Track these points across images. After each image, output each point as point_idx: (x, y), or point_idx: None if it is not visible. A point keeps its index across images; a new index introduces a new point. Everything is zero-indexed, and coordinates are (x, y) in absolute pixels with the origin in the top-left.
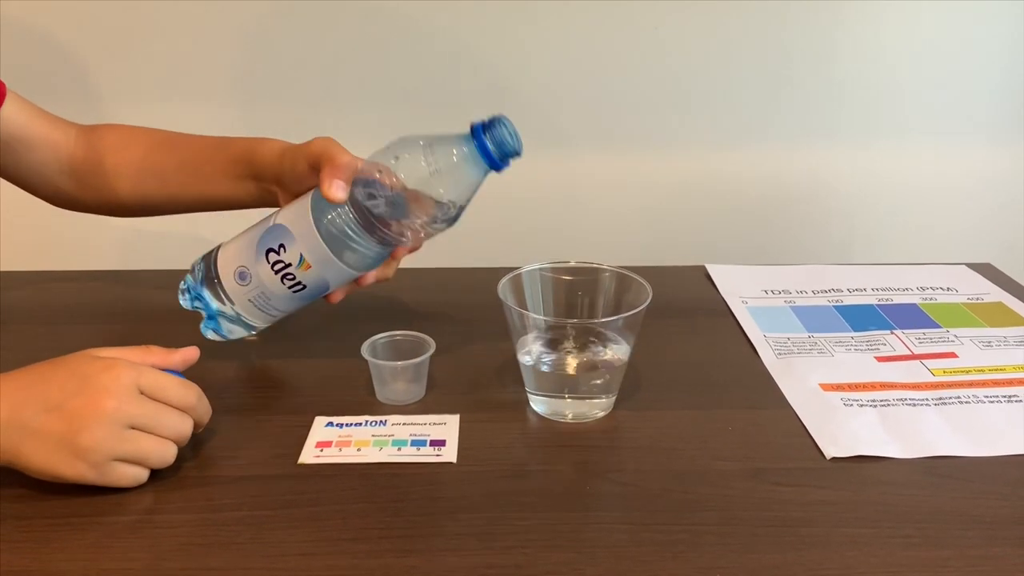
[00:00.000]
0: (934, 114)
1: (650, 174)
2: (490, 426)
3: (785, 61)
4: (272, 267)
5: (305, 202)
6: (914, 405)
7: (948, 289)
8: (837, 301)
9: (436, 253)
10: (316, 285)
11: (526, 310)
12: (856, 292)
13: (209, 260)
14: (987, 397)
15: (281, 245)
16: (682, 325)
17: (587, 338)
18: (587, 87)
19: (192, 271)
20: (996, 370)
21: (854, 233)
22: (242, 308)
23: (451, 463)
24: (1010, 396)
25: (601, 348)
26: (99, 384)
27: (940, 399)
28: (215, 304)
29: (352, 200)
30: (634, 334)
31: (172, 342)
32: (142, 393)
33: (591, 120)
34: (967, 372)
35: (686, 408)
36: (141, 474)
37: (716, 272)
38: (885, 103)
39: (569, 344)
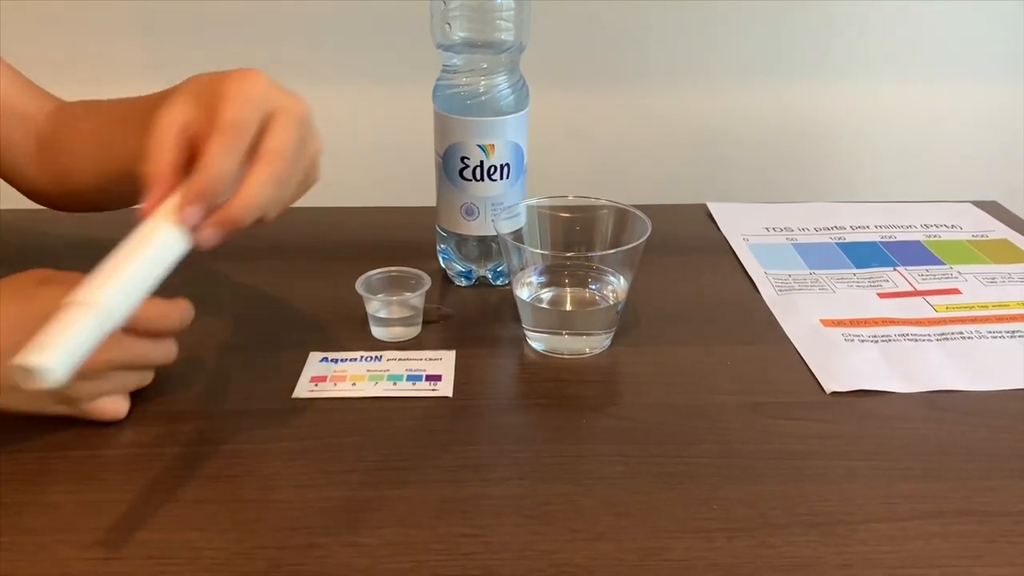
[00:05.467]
0: (941, 50)
1: (650, 112)
2: (487, 362)
3: None
4: None
5: None
6: (916, 340)
7: (952, 226)
8: (839, 238)
9: (434, 190)
10: None
11: (523, 245)
12: (859, 229)
13: None
14: (990, 332)
15: None
16: (682, 262)
17: (585, 274)
18: (585, 22)
19: None
20: (1000, 306)
21: (858, 171)
22: None
23: (447, 397)
24: (1013, 331)
25: (599, 284)
26: (42, 302)
27: (942, 335)
28: None
29: None
30: (632, 270)
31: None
32: None
33: (589, 57)
34: (970, 308)
35: (685, 344)
36: (120, 406)
37: (717, 210)
38: (891, 39)
39: (567, 280)
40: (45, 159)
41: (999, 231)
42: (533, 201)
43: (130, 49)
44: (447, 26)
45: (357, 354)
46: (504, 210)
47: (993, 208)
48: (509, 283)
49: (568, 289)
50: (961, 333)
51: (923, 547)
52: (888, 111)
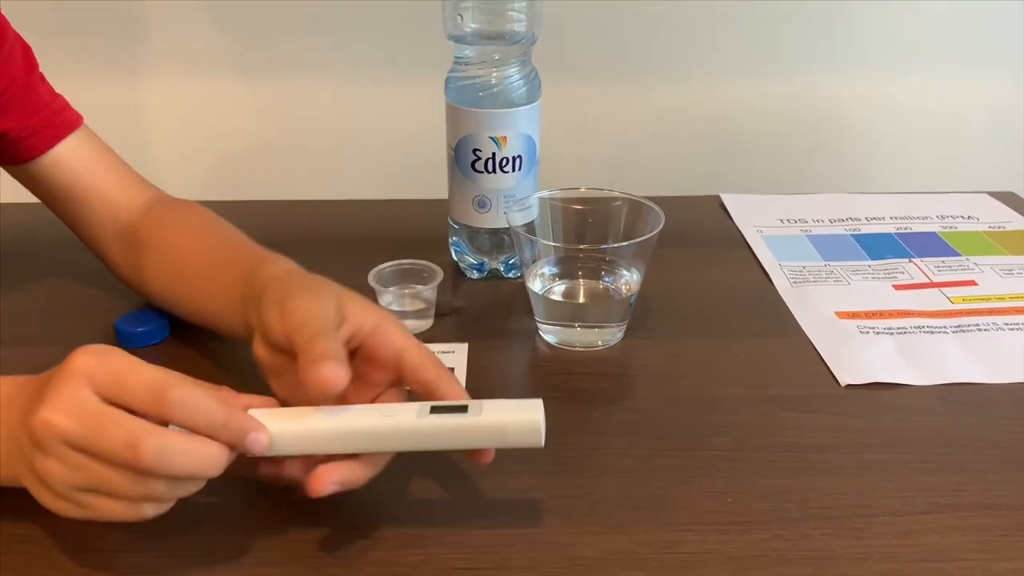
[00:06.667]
0: (956, 40)
1: (663, 103)
2: (499, 354)
3: None
4: None
5: None
6: (932, 332)
7: (969, 217)
8: (854, 230)
9: (446, 182)
10: None
11: (535, 237)
12: (874, 221)
13: None
14: (1007, 324)
15: None
16: (695, 254)
17: (598, 266)
18: (597, 13)
19: None
20: (1017, 297)
21: (873, 162)
22: None
23: None
24: None
25: (612, 276)
26: (47, 386)
27: (958, 327)
28: None
29: None
30: (645, 262)
31: None
32: (101, 396)
33: (601, 48)
34: (987, 300)
35: (698, 336)
36: (131, 509)
37: (731, 202)
38: (905, 28)
39: (579, 272)
40: (126, 250)
41: (1016, 222)
42: (545, 193)
43: (133, 46)
44: (459, 17)
45: None
46: (516, 202)
47: (1010, 199)
48: (521, 276)
49: (581, 281)
50: (977, 325)
51: (939, 541)
52: (902, 101)
